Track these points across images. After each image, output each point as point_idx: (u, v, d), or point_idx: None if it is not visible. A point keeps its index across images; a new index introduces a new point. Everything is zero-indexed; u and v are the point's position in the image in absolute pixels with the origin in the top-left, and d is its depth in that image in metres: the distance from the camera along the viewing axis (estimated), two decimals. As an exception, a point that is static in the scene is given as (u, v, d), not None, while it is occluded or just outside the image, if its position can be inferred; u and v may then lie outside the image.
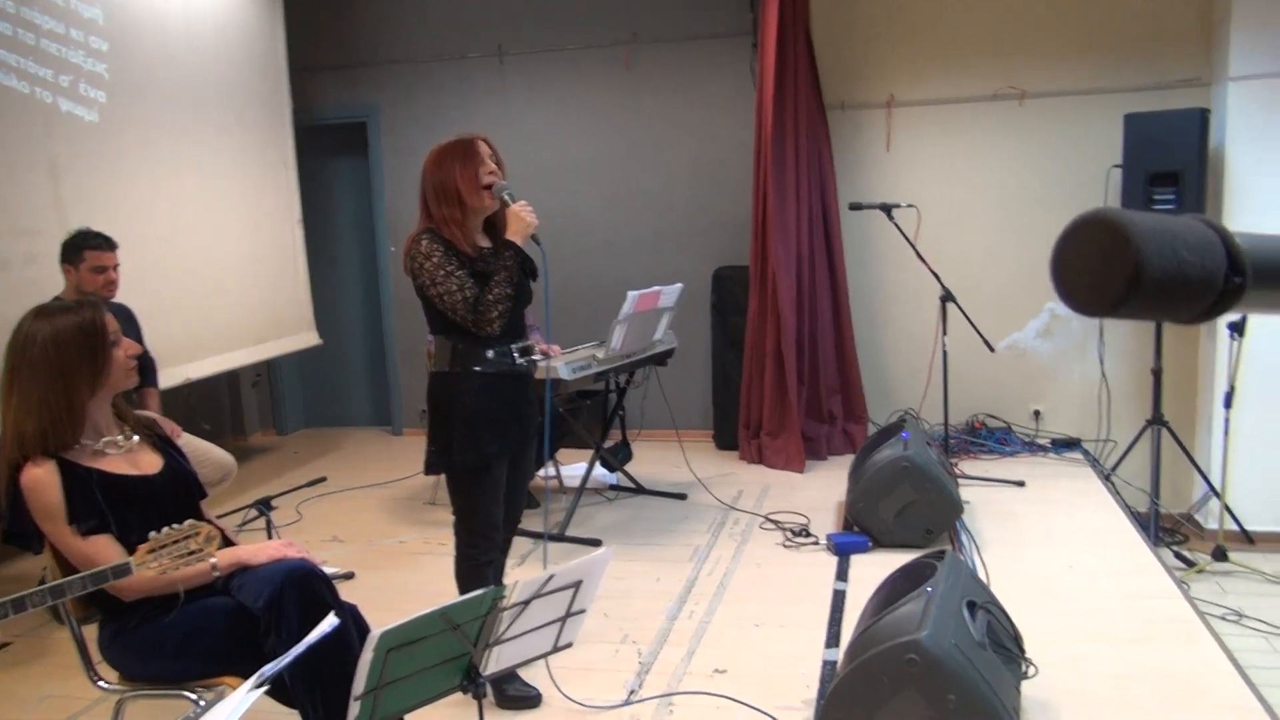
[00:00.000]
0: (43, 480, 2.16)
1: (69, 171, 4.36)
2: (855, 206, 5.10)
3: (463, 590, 2.95)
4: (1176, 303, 0.55)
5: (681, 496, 5.00)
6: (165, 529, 2.03)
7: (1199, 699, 2.81)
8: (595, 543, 4.37)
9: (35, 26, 4.21)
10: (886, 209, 4.95)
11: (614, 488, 5.21)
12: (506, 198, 2.84)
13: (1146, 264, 0.54)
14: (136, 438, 2.40)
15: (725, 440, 5.97)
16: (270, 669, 1.74)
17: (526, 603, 1.94)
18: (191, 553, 2.06)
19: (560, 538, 4.40)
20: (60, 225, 4.07)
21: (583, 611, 2.11)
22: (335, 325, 6.82)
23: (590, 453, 4.94)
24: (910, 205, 5.08)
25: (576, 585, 2.02)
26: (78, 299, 2.32)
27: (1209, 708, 2.76)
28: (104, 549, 2.22)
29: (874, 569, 3.82)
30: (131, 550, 2.25)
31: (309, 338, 6.25)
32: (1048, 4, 5.48)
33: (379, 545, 4.56)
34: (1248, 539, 4.71)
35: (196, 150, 5.22)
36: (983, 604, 2.67)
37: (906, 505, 4.05)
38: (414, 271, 2.78)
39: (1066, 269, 0.58)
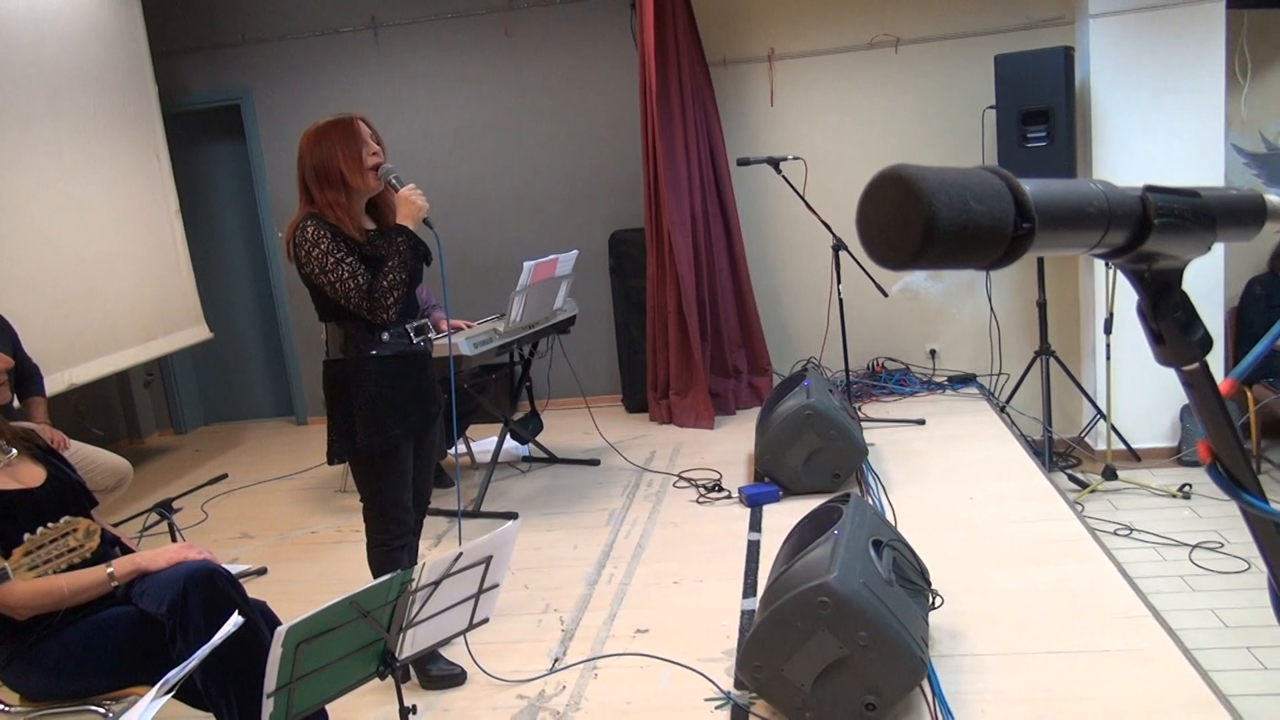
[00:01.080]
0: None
1: (-82, 175, 4.10)
2: (743, 162, 5.14)
3: (377, 576, 2.89)
4: (971, 251, 0.58)
5: (595, 463, 5.02)
6: (40, 529, 1.94)
7: (1094, 610, 2.96)
8: (512, 516, 4.36)
9: None
10: (774, 162, 5.01)
11: (527, 459, 5.20)
12: (394, 181, 2.77)
13: (938, 216, 0.57)
14: (14, 451, 2.29)
15: (634, 403, 6.01)
16: (174, 674, 1.70)
17: (437, 583, 1.93)
18: (72, 549, 1.97)
19: (476, 514, 4.38)
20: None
21: (496, 586, 2.10)
22: (227, 317, 6.61)
23: (500, 427, 4.91)
24: (796, 158, 5.14)
25: (487, 561, 2.02)
26: None
27: (1104, 618, 2.91)
28: (-11, 568, 2.12)
29: (785, 518, 3.91)
30: (17, 565, 2.16)
31: (199, 332, 6.04)
32: (918, -50, 5.58)
33: (291, 538, 4.47)
34: (1135, 456, 4.97)
35: (55, 143, 4.96)
36: (888, 542, 2.76)
37: (813, 453, 4.14)
38: (300, 260, 2.68)
39: (867, 225, 0.60)
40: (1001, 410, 5.24)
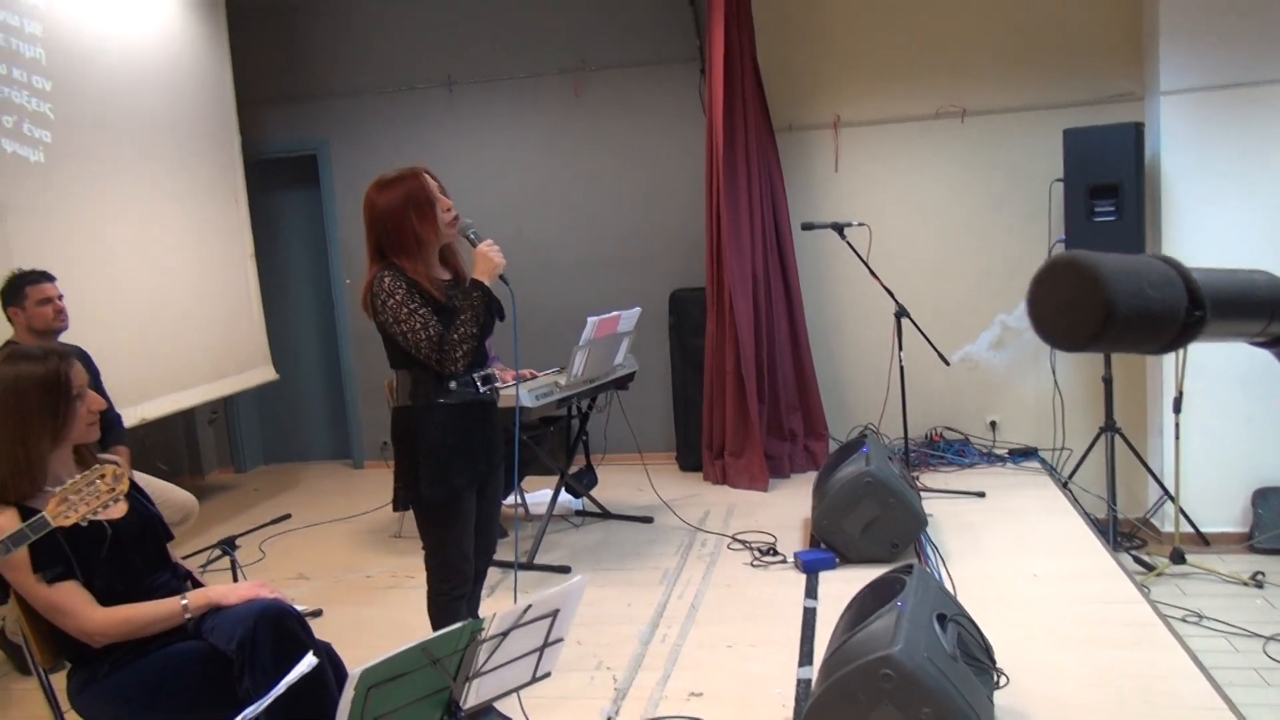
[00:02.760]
0: (5, 529, 2.11)
1: (14, 213, 4.29)
2: (808, 226, 5.18)
3: (436, 626, 2.91)
4: (1144, 337, 0.59)
5: (648, 520, 5.01)
6: (70, 480, 1.98)
7: (1165, 700, 2.87)
8: (565, 570, 4.36)
9: (-23, 67, 4.14)
10: (838, 228, 5.04)
11: (580, 513, 5.20)
12: (472, 236, 2.83)
13: (1117, 303, 0.58)
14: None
15: (689, 462, 6.00)
16: (250, 711, 1.72)
17: (505, 634, 1.94)
18: (103, 492, 1.99)
19: (529, 566, 4.38)
20: (6, 267, 3.98)
21: (560, 640, 2.11)
22: (292, 360, 6.74)
23: (555, 479, 4.93)
24: (861, 224, 5.16)
25: (554, 614, 2.03)
26: (47, 347, 2.28)
27: (1176, 709, 2.82)
28: (69, 595, 2.18)
29: (843, 585, 3.86)
30: (99, 595, 2.21)
31: (265, 373, 6.17)
32: (985, 23, 5.63)
33: (345, 580, 4.50)
34: (1203, 540, 4.84)
35: (145, 188, 5.16)
36: (952, 616, 2.71)
37: (871, 521, 4.10)
38: (376, 309, 2.73)
39: (1041, 310, 0.61)
40: (1064, 486, 5.15)
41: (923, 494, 4.70)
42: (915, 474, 5.19)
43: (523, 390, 4.17)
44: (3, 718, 3.38)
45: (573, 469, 5.04)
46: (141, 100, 5.18)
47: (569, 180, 6.31)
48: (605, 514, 5.13)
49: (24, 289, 3.77)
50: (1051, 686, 2.98)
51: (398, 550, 4.87)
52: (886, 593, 2.76)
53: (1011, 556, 4.12)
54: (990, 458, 5.59)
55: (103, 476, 1.99)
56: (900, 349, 4.95)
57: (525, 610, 1.94)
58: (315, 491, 6.24)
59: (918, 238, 5.81)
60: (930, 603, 2.70)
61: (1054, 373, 5.60)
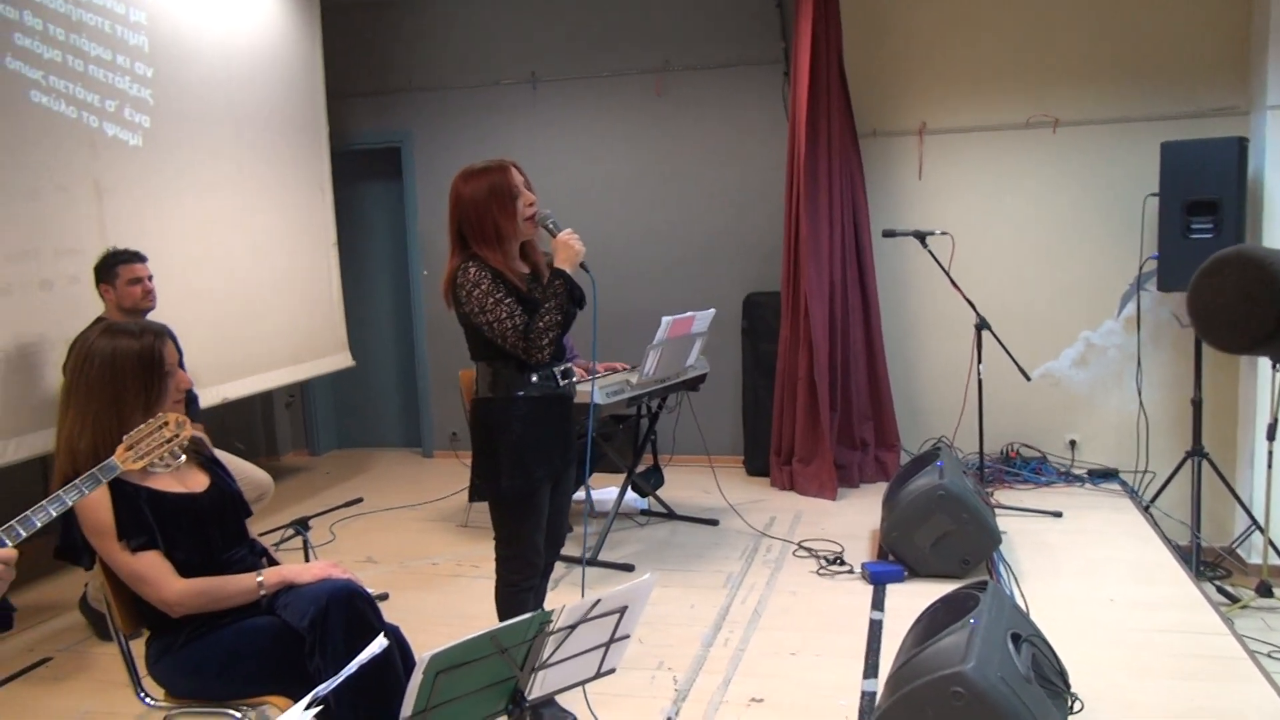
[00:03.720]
0: (93, 497, 2.17)
1: (112, 194, 4.44)
2: (889, 234, 5.10)
3: (503, 616, 2.94)
4: None
5: (713, 522, 4.98)
6: (134, 430, 2.01)
7: (1248, 737, 2.75)
8: (628, 568, 4.35)
9: (84, 53, 4.30)
10: (920, 236, 4.95)
11: (645, 512, 5.19)
12: (551, 226, 2.84)
13: None
14: (184, 457, 2.41)
15: (756, 466, 5.95)
16: (324, 689, 1.74)
17: (573, 627, 1.94)
18: (168, 440, 2.02)
19: (593, 562, 4.38)
20: (102, 246, 4.12)
21: (627, 637, 2.09)
22: (367, 347, 6.86)
23: (622, 477, 4.93)
24: (944, 233, 5.06)
25: (622, 611, 2.02)
26: (143, 324, 2.34)
27: (1259, 746, 2.70)
28: (151, 565, 2.24)
29: (910, 599, 3.80)
30: (179, 566, 2.27)
31: (343, 359, 6.30)
32: (1082, 32, 5.48)
33: (411, 566, 4.56)
34: (1291, 574, 4.63)
35: (236, 174, 5.30)
36: (1027, 637, 2.63)
37: (943, 535, 4.01)
38: (460, 300, 2.75)
39: (1204, 307, 0.58)
40: (1145, 510, 4.97)
41: (997, 511, 4.59)
42: (989, 490, 5.07)
43: (595, 387, 4.17)
44: (83, 679, 3.50)
45: (640, 468, 5.04)
46: (236, 90, 5.32)
47: (648, 180, 6.30)
48: (670, 514, 5.11)
49: (116, 268, 3.89)
50: (1127, 715, 2.88)
51: (464, 539, 4.92)
52: (959, 608, 2.69)
53: (1088, 579, 3.99)
54: (1068, 477, 5.43)
55: (166, 424, 2.03)
56: (979, 362, 4.84)
57: (594, 605, 1.93)
58: (385, 478, 6.34)
59: (1002, 249, 5.68)
60: (1005, 621, 2.63)
61: (1140, 393, 5.42)
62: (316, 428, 7.08)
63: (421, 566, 4.56)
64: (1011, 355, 4.82)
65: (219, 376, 4.97)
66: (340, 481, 6.27)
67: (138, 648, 2.37)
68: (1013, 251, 5.69)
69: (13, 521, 1.67)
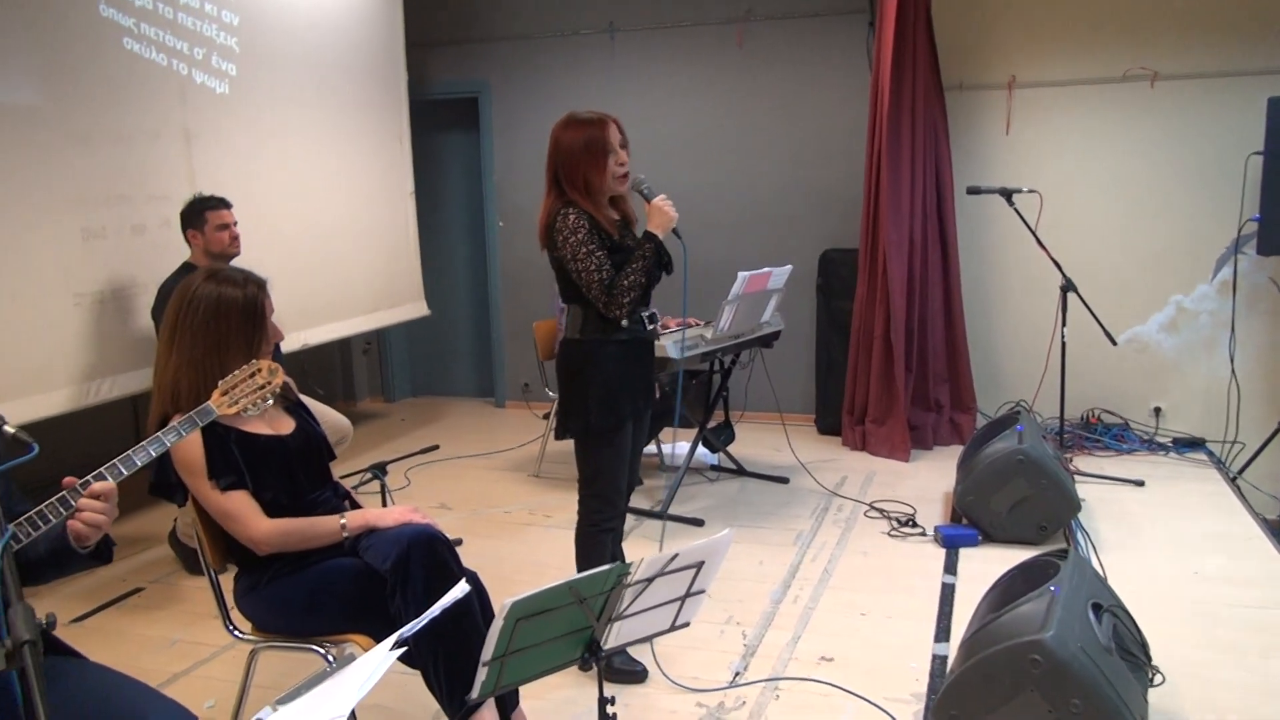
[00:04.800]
0: (187, 438, 2.24)
1: (200, 140, 4.53)
2: (973, 190, 4.96)
3: (581, 557, 3.05)
4: None
5: (784, 480, 4.96)
6: (229, 376, 2.07)
7: (1338, 718, 2.67)
8: (698, 522, 4.37)
9: (174, 1, 4.36)
10: (1007, 194, 4.80)
11: (715, 468, 5.20)
12: (645, 191, 2.91)
13: None
14: (271, 400, 2.47)
15: (827, 425, 5.90)
16: (408, 630, 1.78)
17: (650, 580, 1.94)
18: (261, 386, 2.07)
19: (664, 515, 4.41)
20: (190, 192, 4.22)
21: (702, 592, 2.10)
22: (443, 297, 6.93)
23: (693, 432, 4.93)
24: (1032, 190, 4.90)
25: (699, 566, 2.02)
26: (246, 273, 2.40)
27: (1349, 728, 2.62)
28: (240, 504, 2.31)
29: (984, 564, 3.75)
30: (266, 506, 2.34)
31: (419, 308, 6.38)
32: (1186, -19, 5.22)
33: (484, 514, 4.64)
34: (1387, 552, 4.45)
35: (318, 123, 5.36)
36: (1108, 607, 2.58)
37: (1020, 500, 3.94)
38: (555, 244, 2.83)
39: None
40: (1233, 481, 4.81)
41: (1076, 477, 4.49)
42: (1068, 456, 4.95)
43: (668, 342, 4.17)
44: (172, 610, 3.65)
45: (711, 423, 5.03)
46: (319, 38, 5.36)
47: (727, 132, 6.21)
48: (741, 471, 5.10)
49: (204, 213, 3.98)
50: (1210, 692, 2.81)
51: (536, 489, 4.99)
52: (1038, 576, 2.65)
53: (1171, 551, 3.89)
54: (1152, 445, 5.28)
55: (259, 371, 2.08)
56: (1064, 324, 4.70)
57: (671, 559, 1.94)
58: (458, 426, 6.44)
59: (1091, 208, 5.48)
60: (1086, 590, 2.57)
61: (1232, 360, 5.22)
62: (392, 375, 7.21)
63: (494, 515, 4.64)
64: (1098, 318, 4.67)
65: (300, 322, 5.08)
66: (414, 429, 6.39)
67: (225, 582, 2.46)
68: (1103, 211, 5.49)
69: (115, 460, 1.73)
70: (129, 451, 1.76)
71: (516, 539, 4.31)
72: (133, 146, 4.18)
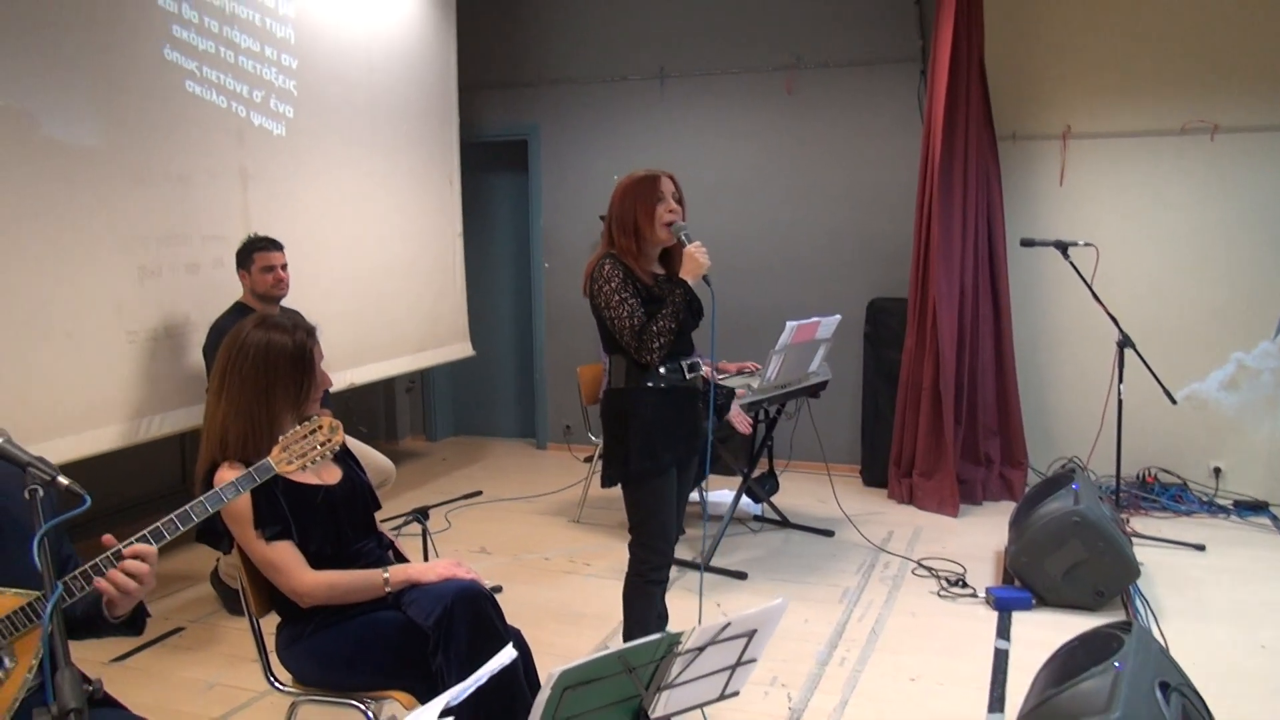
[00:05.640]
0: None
1: (256, 181, 4.59)
2: (1028, 243, 4.87)
3: (627, 610, 3.05)
4: None
5: (829, 533, 4.87)
6: (290, 430, 2.05)
7: None
8: (741, 575, 4.29)
9: (235, 45, 4.45)
10: (1062, 247, 4.72)
11: (759, 518, 5.11)
12: (683, 237, 2.96)
13: None
14: (330, 457, 2.46)
15: (873, 477, 5.80)
16: (456, 697, 1.73)
17: (701, 649, 1.89)
18: (323, 443, 2.05)
19: (704, 567, 4.33)
20: (245, 231, 4.28)
21: (754, 661, 2.04)
22: (487, 337, 6.95)
23: (735, 480, 4.86)
24: (1088, 244, 4.80)
25: (751, 634, 1.96)
26: (294, 320, 2.40)
27: None
28: (285, 554, 2.28)
29: (1039, 629, 3.63)
30: (310, 557, 2.31)
31: (463, 348, 6.40)
32: (1245, 31, 5.13)
33: (524, 560, 4.60)
34: None
35: (370, 164, 5.42)
36: (1177, 686, 2.46)
37: (1076, 564, 3.81)
38: (592, 293, 2.92)
39: None
40: (1298, 548, 4.64)
41: (1134, 540, 4.35)
42: (1125, 516, 4.80)
43: (713, 392, 4.11)
44: (211, 652, 3.63)
45: (755, 473, 4.96)
46: (375, 81, 5.44)
47: (775, 179, 6.19)
48: (784, 522, 5.02)
49: (252, 254, 4.02)
50: (1283, 777, 2.67)
51: (577, 535, 4.94)
52: (1101, 649, 2.53)
53: (1236, 622, 3.74)
54: (1211, 507, 5.12)
55: (320, 428, 2.06)
56: (1120, 381, 4.59)
57: (724, 628, 1.88)
58: (500, 467, 6.42)
59: (1149, 262, 5.38)
60: (1152, 667, 2.46)
61: (1296, 422, 5.07)
62: (435, 414, 7.22)
63: (534, 560, 4.59)
64: (1156, 376, 4.55)
65: (347, 362, 5.10)
66: (456, 469, 6.38)
67: (265, 624, 2.43)
68: (1160, 265, 5.38)
69: (171, 515, 1.72)
70: (185, 507, 1.75)
71: (556, 587, 4.25)
72: (190, 186, 4.24)
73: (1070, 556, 3.82)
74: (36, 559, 1.43)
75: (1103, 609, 3.80)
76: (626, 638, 3.07)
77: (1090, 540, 3.78)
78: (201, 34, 4.26)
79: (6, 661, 1.62)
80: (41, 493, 1.53)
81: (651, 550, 2.99)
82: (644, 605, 3.02)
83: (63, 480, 1.59)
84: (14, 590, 1.64)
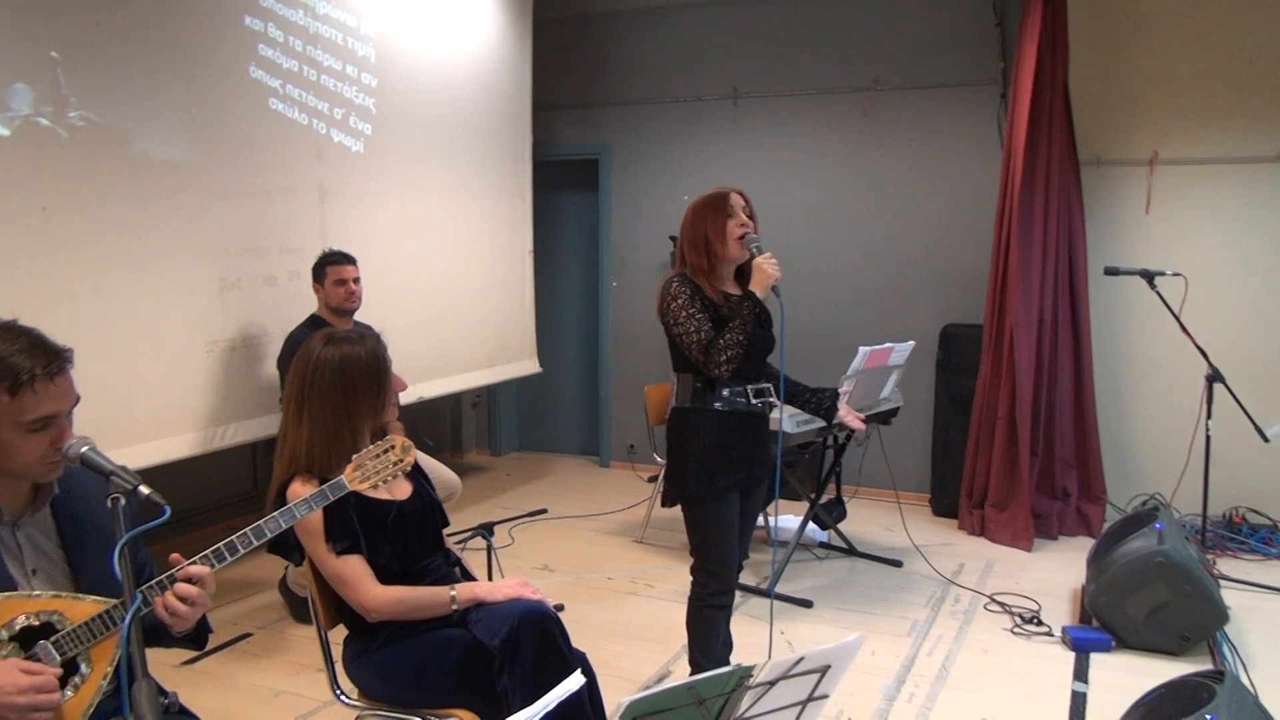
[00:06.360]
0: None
1: (333, 197, 4.67)
2: (1112, 271, 4.73)
3: (690, 634, 3.02)
4: None
5: (897, 564, 4.75)
6: (363, 451, 2.05)
7: None
8: (807, 604, 4.21)
9: (318, 64, 4.54)
10: (1149, 276, 4.56)
11: (824, 545, 5.02)
12: (754, 249, 2.93)
13: None
14: (402, 476, 2.46)
15: (943, 506, 5.66)
16: (526, 722, 1.71)
17: (773, 683, 1.83)
18: (395, 463, 2.05)
19: (770, 594, 4.26)
20: (321, 246, 4.35)
21: (825, 697, 1.97)
22: (553, 354, 6.97)
23: (802, 506, 4.78)
24: (1177, 274, 4.64)
25: (824, 670, 1.90)
26: (360, 330, 2.43)
27: None
28: (354, 569, 2.29)
29: (1119, 673, 3.50)
30: (378, 572, 2.32)
31: (530, 365, 6.42)
32: (1350, 58, 4.93)
33: (587, 579, 4.57)
34: None
35: (445, 181, 5.49)
36: (1273, 741, 2.34)
37: (1160, 605, 3.66)
38: (662, 311, 2.91)
39: None
40: (1399, 598, 4.40)
41: (1221, 582, 4.16)
42: (1211, 558, 4.61)
43: (786, 414, 4.06)
44: (278, 660, 3.67)
45: (823, 499, 4.87)
46: (451, 99, 5.51)
47: (850, 202, 6.11)
48: (851, 550, 4.92)
49: (325, 268, 4.09)
50: (1387, 844, 2.51)
51: (640, 555, 4.90)
52: (1191, 699, 2.42)
53: (1331, 674, 3.55)
54: (1304, 551, 4.88)
55: (393, 447, 2.07)
56: (1209, 416, 4.41)
57: (797, 662, 1.83)
58: (563, 484, 6.42)
59: (1239, 294, 5.18)
60: (1246, 721, 2.34)
61: (1397, 464, 4.82)
62: (500, 429, 7.26)
63: (596, 580, 4.56)
64: (1247, 412, 4.37)
65: (418, 376, 5.15)
66: (520, 484, 6.39)
67: (333, 636, 2.44)
68: (1252, 297, 5.18)
69: (245, 529, 1.74)
70: (260, 522, 1.76)
71: (617, 608, 4.22)
72: (270, 201, 4.33)
73: (1154, 598, 3.66)
74: (117, 568, 1.44)
75: (1187, 654, 3.64)
76: (691, 662, 3.03)
77: (1175, 582, 3.63)
78: (286, 53, 4.36)
79: (83, 667, 1.64)
80: (123, 501, 1.55)
81: (711, 575, 2.96)
82: (706, 630, 2.98)
83: (144, 490, 1.61)
84: (92, 597, 1.66)
